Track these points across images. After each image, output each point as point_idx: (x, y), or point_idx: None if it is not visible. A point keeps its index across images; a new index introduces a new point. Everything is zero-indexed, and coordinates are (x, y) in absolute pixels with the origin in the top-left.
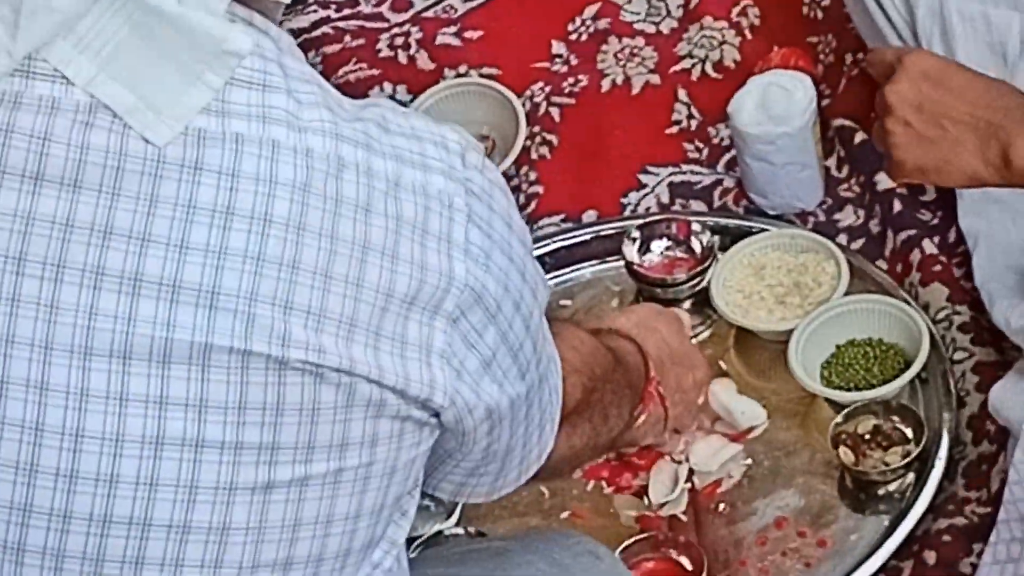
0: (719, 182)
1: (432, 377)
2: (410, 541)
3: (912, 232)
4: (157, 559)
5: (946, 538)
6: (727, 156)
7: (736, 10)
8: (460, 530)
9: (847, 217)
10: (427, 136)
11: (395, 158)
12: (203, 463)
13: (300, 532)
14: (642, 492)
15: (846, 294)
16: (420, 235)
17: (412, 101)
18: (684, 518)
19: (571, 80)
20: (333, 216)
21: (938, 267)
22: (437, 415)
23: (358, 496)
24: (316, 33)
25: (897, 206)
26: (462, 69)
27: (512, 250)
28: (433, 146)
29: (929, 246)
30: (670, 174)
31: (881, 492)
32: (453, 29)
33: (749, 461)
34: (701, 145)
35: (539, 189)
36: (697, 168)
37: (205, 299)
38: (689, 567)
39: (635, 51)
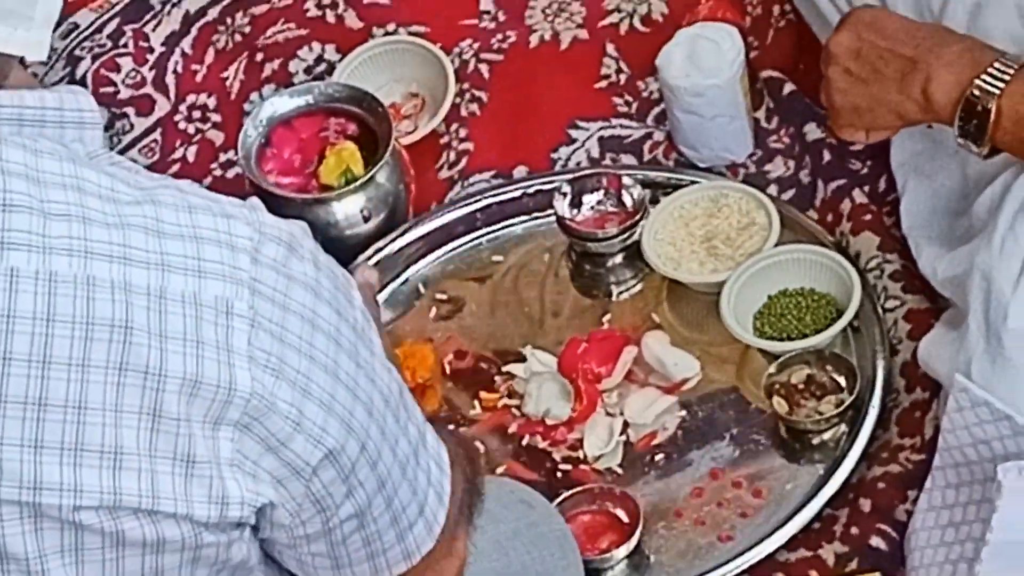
0: (649, 135)
1: (224, 491)
2: None
3: (842, 182)
4: None
5: (881, 485)
6: (656, 109)
7: None
8: None
9: (777, 168)
10: (209, 236)
11: (160, 267)
12: None
13: None
14: (577, 445)
15: (777, 245)
16: (193, 347)
17: (341, 60)
18: (619, 471)
19: (499, 36)
20: (84, 342)
21: (868, 216)
22: (254, 526)
23: None
24: None
25: (827, 156)
26: (390, 27)
27: (315, 348)
28: (215, 246)
29: (859, 195)
30: (600, 128)
31: (815, 441)
32: None
33: (683, 413)
34: (630, 99)
35: (469, 146)
36: (627, 122)
37: None
38: (625, 519)
39: (563, 6)
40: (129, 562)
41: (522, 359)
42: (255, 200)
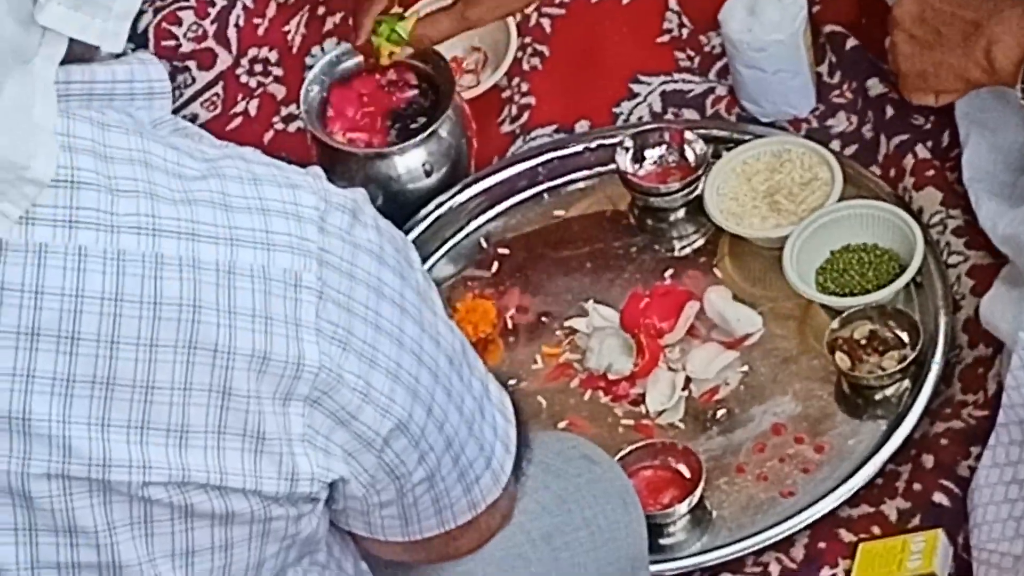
0: (711, 90)
1: (294, 467)
2: None
3: (905, 137)
4: None
5: (943, 441)
6: (719, 64)
7: None
8: None
9: (840, 123)
10: (276, 207)
11: (229, 241)
12: None
13: None
14: (639, 400)
15: (840, 200)
16: (261, 323)
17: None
18: (681, 426)
19: None
20: (152, 322)
21: (931, 171)
22: (314, 499)
23: None
24: None
25: (889, 111)
26: None
27: (380, 317)
28: (282, 218)
29: (922, 151)
30: (662, 83)
31: (878, 397)
32: None
33: (746, 368)
34: (692, 53)
35: (531, 100)
36: (689, 76)
37: (18, 426)
38: (687, 474)
39: None
40: (198, 534)
41: (584, 314)
42: (317, 169)
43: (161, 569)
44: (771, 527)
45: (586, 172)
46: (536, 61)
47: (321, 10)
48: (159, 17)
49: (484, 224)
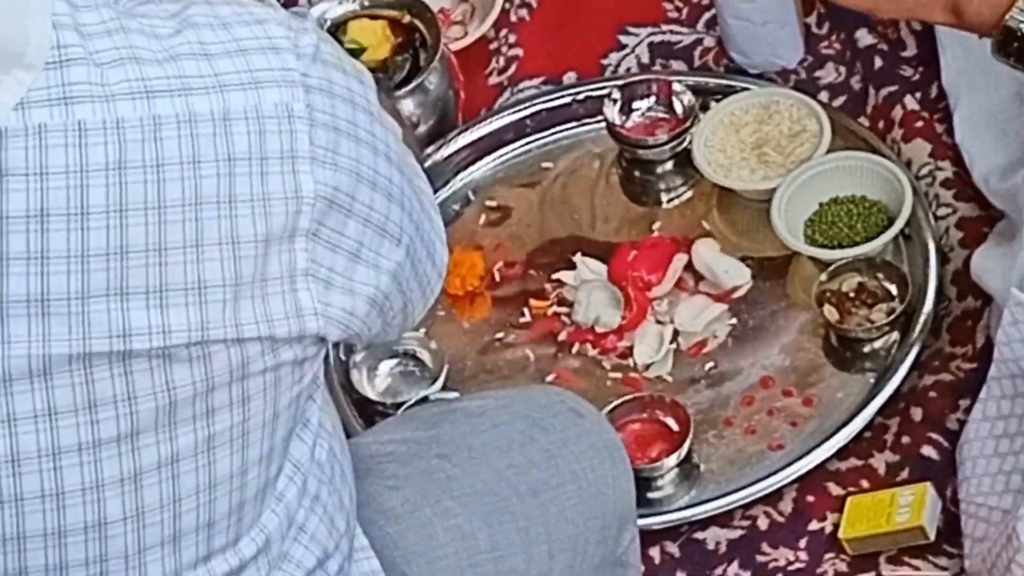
0: (699, 41)
1: (298, 304)
2: (397, 407)
3: (894, 88)
4: (40, 568)
5: (932, 394)
6: (707, 15)
7: None
8: (446, 395)
9: (828, 74)
10: (252, 45)
11: (219, 89)
12: (63, 469)
13: (183, 506)
14: (627, 354)
15: (828, 152)
16: (259, 164)
17: None
18: (669, 379)
19: None
20: (157, 184)
21: (920, 123)
22: (321, 339)
23: (239, 454)
24: None
25: (878, 62)
26: None
27: (358, 128)
28: (261, 55)
29: (911, 102)
30: (650, 34)
31: (866, 350)
32: None
33: (734, 321)
34: (681, 4)
35: (519, 52)
36: (677, 28)
37: (36, 308)
38: (675, 427)
39: None
40: (217, 393)
41: (572, 267)
42: None
43: (180, 431)
44: (759, 480)
45: (574, 124)
46: (524, 12)
47: None
48: None
49: (471, 176)
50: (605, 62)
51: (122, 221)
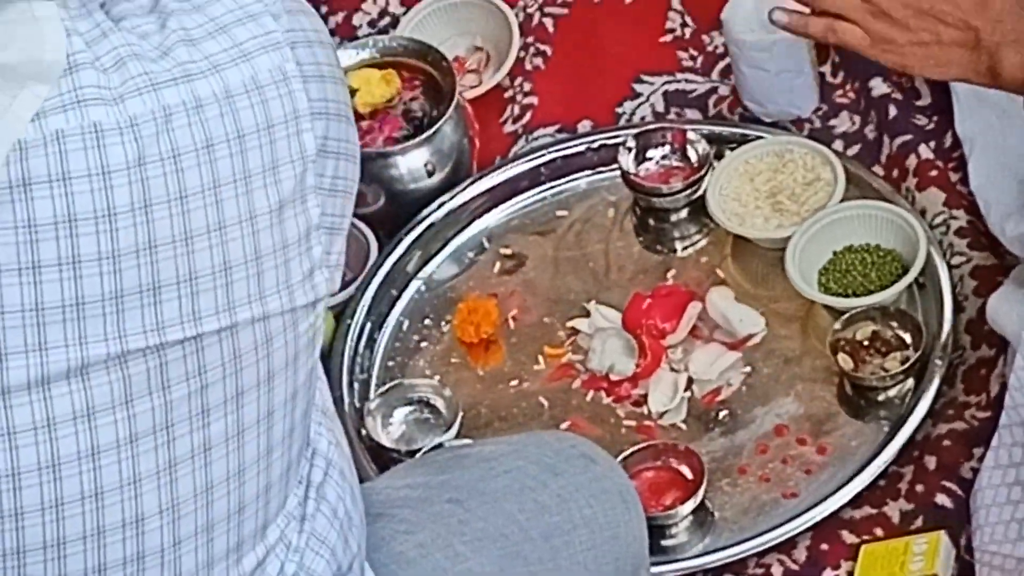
0: (714, 90)
1: (312, 261)
2: (411, 454)
3: (908, 137)
4: (79, 572)
5: (946, 443)
6: (722, 64)
7: None
8: (460, 443)
9: (843, 123)
10: (229, 19)
11: (215, 70)
12: (102, 468)
13: (215, 494)
14: (641, 401)
15: (842, 200)
16: (266, 135)
17: (405, 14)
18: (684, 427)
19: None
20: (176, 175)
21: (934, 172)
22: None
23: (264, 435)
24: None
25: (892, 111)
26: None
27: (334, 68)
28: (241, 27)
29: (925, 151)
30: (665, 83)
31: (881, 398)
32: None
33: (748, 369)
34: (695, 53)
35: (534, 100)
36: (692, 76)
37: (71, 313)
38: (689, 476)
39: None
40: (246, 374)
41: (586, 314)
42: None
43: (212, 417)
44: (773, 528)
45: (588, 172)
46: (539, 61)
47: (324, 9)
48: None
49: (486, 224)
50: (620, 110)
51: (148, 216)
